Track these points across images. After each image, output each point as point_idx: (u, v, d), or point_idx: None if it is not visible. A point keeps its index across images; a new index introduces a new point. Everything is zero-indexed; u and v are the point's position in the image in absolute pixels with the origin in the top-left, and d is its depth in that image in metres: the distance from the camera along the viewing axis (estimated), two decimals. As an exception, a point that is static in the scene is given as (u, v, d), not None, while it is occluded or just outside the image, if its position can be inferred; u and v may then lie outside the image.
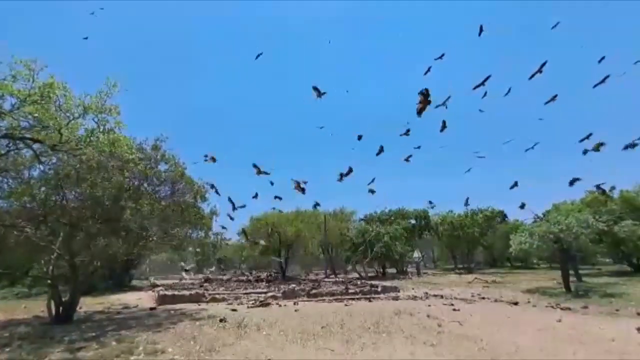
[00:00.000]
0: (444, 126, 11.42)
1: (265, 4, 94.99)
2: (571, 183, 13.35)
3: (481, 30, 10.89)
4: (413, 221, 44.78)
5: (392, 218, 42.53)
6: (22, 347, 7.63)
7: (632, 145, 11.54)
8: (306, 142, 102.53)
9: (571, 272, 18.93)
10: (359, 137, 12.97)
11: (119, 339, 8.23)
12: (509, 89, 12.25)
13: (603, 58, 11.87)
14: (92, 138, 9.56)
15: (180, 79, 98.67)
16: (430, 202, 21.60)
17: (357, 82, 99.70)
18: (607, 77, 10.77)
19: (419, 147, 13.84)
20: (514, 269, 38.38)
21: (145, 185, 12.79)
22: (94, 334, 8.78)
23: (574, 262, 19.87)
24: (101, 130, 9.65)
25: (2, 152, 9.58)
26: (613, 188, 27.64)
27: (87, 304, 14.38)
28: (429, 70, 11.96)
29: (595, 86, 10.99)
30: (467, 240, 40.33)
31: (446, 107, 10.82)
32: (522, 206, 15.52)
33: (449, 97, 10.71)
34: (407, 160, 13.58)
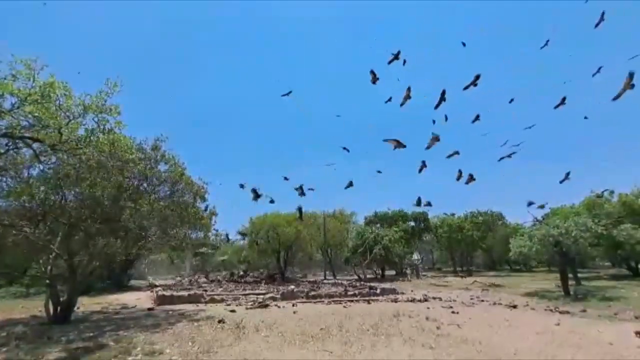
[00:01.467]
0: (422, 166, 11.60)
1: (266, 4, 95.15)
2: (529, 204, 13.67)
3: (404, 62, 10.86)
4: (412, 223, 44.76)
5: (393, 219, 42.51)
6: (20, 347, 7.61)
7: (509, 155, 11.98)
8: (306, 143, 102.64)
9: (570, 275, 18.93)
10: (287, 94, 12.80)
11: (116, 339, 8.22)
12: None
13: (512, 100, 12.58)
14: (92, 138, 9.56)
15: (180, 79, 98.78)
16: (419, 203, 21.33)
17: (357, 82, 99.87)
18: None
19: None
20: (513, 271, 38.38)
21: (145, 185, 12.81)
22: (91, 334, 8.76)
23: (573, 265, 19.86)
24: (101, 130, 9.65)
25: (2, 151, 9.57)
26: (612, 192, 27.75)
27: (85, 304, 14.36)
28: (389, 99, 11.99)
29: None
30: (467, 243, 40.34)
31: (445, 100, 10.73)
32: (418, 202, 15.26)
33: (444, 92, 10.61)
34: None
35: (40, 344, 7.84)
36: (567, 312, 12.67)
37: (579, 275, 21.26)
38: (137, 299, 16.90)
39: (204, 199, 15.05)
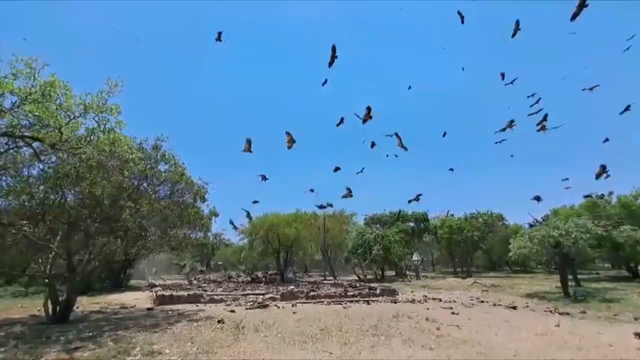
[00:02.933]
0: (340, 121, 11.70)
1: (269, 4, 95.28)
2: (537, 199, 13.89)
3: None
4: (412, 224, 44.74)
5: (392, 220, 42.49)
6: (18, 347, 7.58)
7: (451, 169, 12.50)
8: (308, 142, 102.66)
9: (570, 276, 18.91)
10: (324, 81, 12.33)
11: (115, 339, 8.19)
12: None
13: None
14: (92, 137, 9.54)
15: (181, 79, 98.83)
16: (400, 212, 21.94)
17: (357, 83, 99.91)
18: None
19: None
20: (513, 273, 38.32)
21: (145, 185, 12.78)
22: (90, 334, 8.74)
23: (573, 266, 19.84)
24: (102, 129, 9.63)
25: (2, 150, 9.57)
26: (611, 193, 27.76)
27: (84, 304, 14.34)
28: (325, 82, 12.16)
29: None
30: (466, 244, 40.27)
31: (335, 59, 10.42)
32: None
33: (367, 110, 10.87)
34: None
35: (39, 344, 7.81)
36: (567, 314, 12.66)
37: (579, 276, 21.25)
38: (136, 299, 16.86)
39: (204, 199, 15.03)
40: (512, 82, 12.45)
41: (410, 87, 15.48)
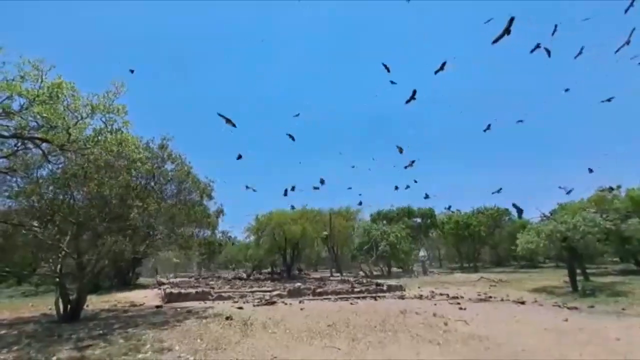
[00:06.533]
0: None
1: (272, 3, 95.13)
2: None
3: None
4: (419, 220, 44.63)
5: (398, 216, 42.44)
6: (31, 345, 7.72)
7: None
8: (307, 142, 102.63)
9: (578, 271, 18.77)
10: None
11: (126, 336, 8.31)
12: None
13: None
14: (99, 137, 9.62)
15: (184, 79, 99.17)
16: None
17: (356, 83, 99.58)
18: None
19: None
20: (520, 268, 38.10)
21: (152, 184, 12.87)
22: (101, 332, 8.87)
23: (581, 261, 19.68)
24: (109, 129, 9.70)
25: (11, 151, 9.70)
26: (619, 187, 27.47)
27: (94, 302, 14.52)
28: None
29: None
30: (473, 239, 40.09)
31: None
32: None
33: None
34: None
35: (51, 342, 7.95)
36: (575, 308, 12.60)
37: (587, 270, 21.09)
38: (145, 297, 17.05)
39: (210, 197, 15.13)
40: (488, 127, 12.89)
41: (298, 115, 16.04)
